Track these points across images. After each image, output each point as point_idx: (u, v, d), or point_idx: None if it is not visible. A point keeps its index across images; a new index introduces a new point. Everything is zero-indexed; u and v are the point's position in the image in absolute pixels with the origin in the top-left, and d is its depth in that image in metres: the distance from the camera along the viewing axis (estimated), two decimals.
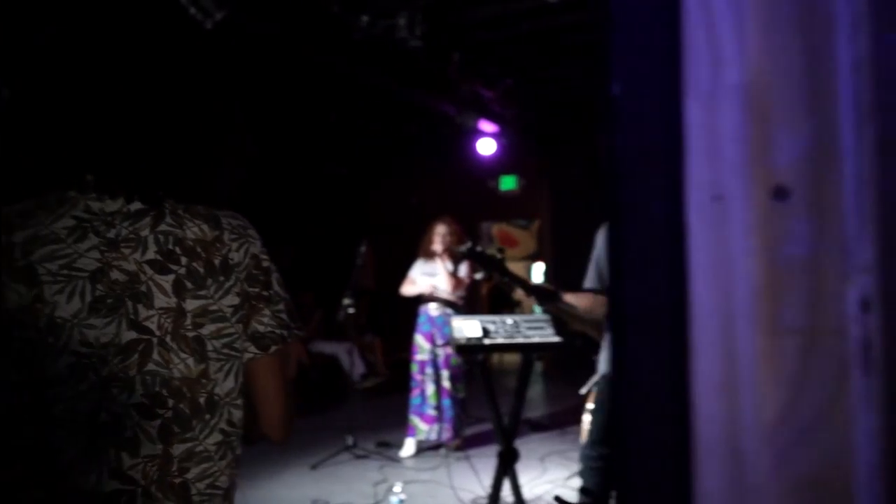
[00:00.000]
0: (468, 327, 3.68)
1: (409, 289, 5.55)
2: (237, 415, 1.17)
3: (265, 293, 1.18)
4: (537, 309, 10.53)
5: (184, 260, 1.10)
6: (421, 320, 5.53)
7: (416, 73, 6.19)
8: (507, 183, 9.57)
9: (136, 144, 1.09)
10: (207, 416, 1.11)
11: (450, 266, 5.36)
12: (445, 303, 5.44)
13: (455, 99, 6.53)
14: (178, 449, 1.09)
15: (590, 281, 3.00)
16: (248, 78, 5.69)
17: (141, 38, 1.12)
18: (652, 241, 0.45)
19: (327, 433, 5.83)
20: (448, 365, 5.45)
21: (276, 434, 1.25)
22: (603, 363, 3.11)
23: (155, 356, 1.07)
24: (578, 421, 6.39)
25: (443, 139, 8.50)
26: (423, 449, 5.56)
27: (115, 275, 1.06)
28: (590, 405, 4.27)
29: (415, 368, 5.53)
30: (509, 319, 3.87)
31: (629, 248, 0.45)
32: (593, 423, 3.15)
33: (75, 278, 1.04)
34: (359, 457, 5.35)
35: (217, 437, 1.13)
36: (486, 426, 6.23)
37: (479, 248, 3.25)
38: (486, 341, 3.62)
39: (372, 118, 7.71)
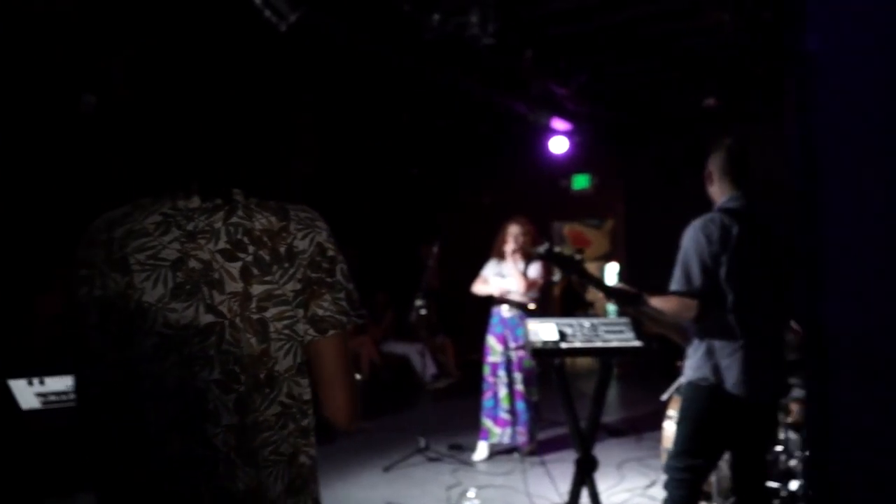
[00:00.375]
0: (544, 330, 3.56)
1: (480, 287, 5.46)
2: (297, 390, 1.24)
3: (328, 279, 1.24)
4: (611, 311, 10.31)
5: (251, 248, 1.18)
6: (493, 322, 5.43)
7: (487, 71, 6.09)
8: (580, 182, 9.37)
9: (218, 146, 1.21)
10: (267, 391, 1.20)
11: (521, 266, 5.24)
12: (517, 304, 5.33)
13: (527, 97, 6.39)
14: (249, 419, 1.19)
15: (676, 283, 2.83)
16: (320, 79, 5.70)
17: (225, 47, 1.24)
18: (873, 247, 0.34)
19: (399, 435, 5.79)
20: (521, 367, 5.33)
21: (340, 418, 1.29)
22: (689, 370, 2.94)
23: (227, 337, 1.17)
24: (656, 427, 6.18)
25: (514, 138, 8.38)
26: (497, 452, 5.45)
27: (193, 263, 1.17)
28: (671, 412, 4.09)
29: (487, 370, 5.42)
30: (586, 322, 3.73)
31: (835, 256, 0.35)
32: (679, 433, 2.98)
33: (160, 267, 1.16)
34: (431, 459, 5.29)
35: (276, 408, 1.21)
36: (560, 430, 6.09)
37: (557, 250, 3.13)
38: (563, 345, 3.49)
39: (443, 118, 7.64)
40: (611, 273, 12.34)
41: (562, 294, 10.06)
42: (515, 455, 5.36)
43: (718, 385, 2.80)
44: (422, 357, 6.49)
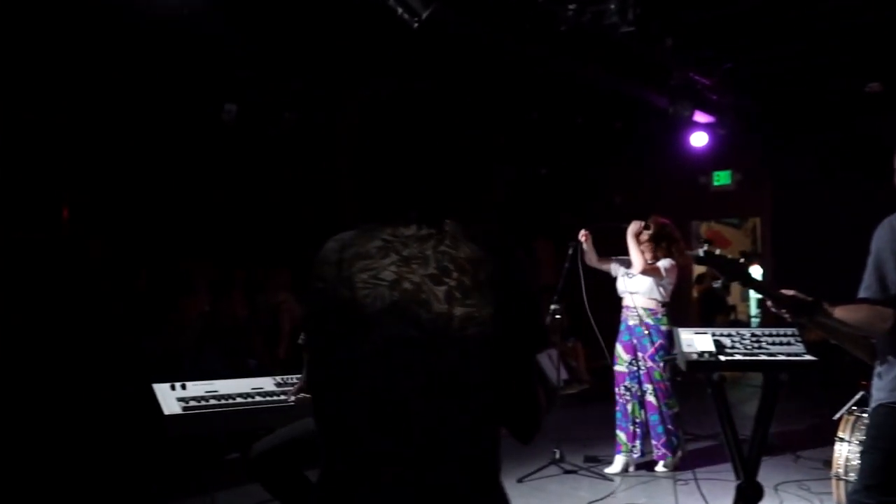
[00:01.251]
0: (699, 341, 3.21)
1: (595, 261, 5.10)
2: (488, 401, 1.34)
3: (520, 307, 1.35)
4: (753, 317, 9.52)
5: (455, 275, 1.31)
6: (621, 329, 5.11)
7: (624, 62, 5.73)
8: (721, 178, 8.73)
9: (436, 181, 1.36)
10: (461, 401, 1.32)
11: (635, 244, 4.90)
12: (645, 310, 4.96)
13: (667, 88, 5.97)
14: (441, 425, 1.30)
15: (868, 289, 2.43)
16: (449, 75, 5.55)
17: (443, 90, 1.39)
18: None
19: (532, 443, 5.54)
20: (651, 378, 4.95)
21: (520, 435, 1.41)
22: (880, 390, 2.52)
23: (431, 351, 1.28)
24: (815, 445, 5.62)
25: (650, 133, 7.93)
26: (639, 465, 5.09)
27: (406, 285, 1.29)
28: (843, 434, 3.61)
29: (616, 380, 5.12)
30: (746, 332, 3.35)
31: None
32: (868, 463, 2.56)
33: (379, 286, 1.30)
34: (567, 472, 5.01)
35: (466, 417, 1.32)
36: (703, 444, 5.65)
37: (717, 252, 2.79)
38: (722, 357, 3.13)
39: (575, 114, 7.32)
40: (755, 276, 11.52)
41: (700, 297, 9.45)
42: (658, 470, 4.98)
43: None
44: (553, 362, 6.20)
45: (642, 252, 4.95)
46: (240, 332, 6.37)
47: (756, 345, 3.20)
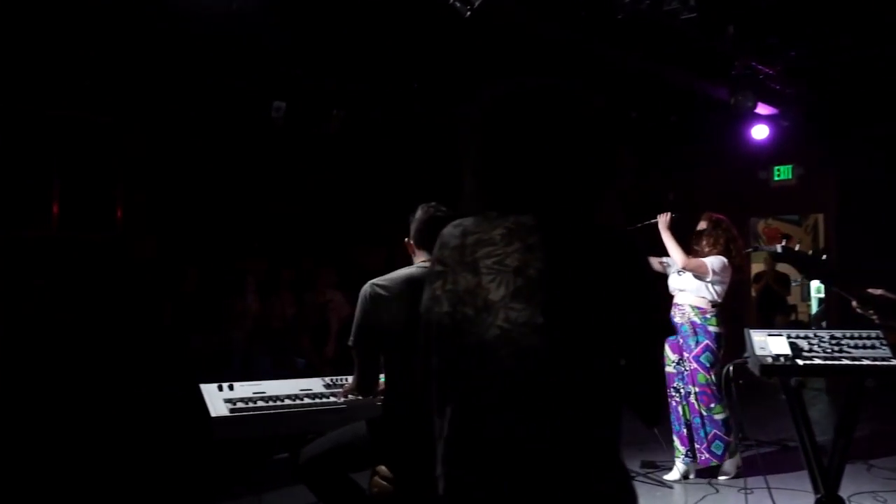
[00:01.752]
0: (774, 343, 2.99)
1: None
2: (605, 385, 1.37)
3: (635, 297, 1.35)
4: (814, 312, 8.97)
5: (577, 263, 1.33)
6: None
7: (684, 51, 5.48)
8: (782, 173, 8.34)
9: (558, 174, 1.37)
10: (584, 384, 1.35)
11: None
12: (693, 308, 4.70)
13: (729, 78, 5.69)
14: (561, 410, 1.33)
15: None
16: (498, 66, 5.37)
17: (563, 89, 1.40)
18: None
19: None
20: (695, 381, 4.68)
21: (648, 418, 1.41)
22: None
23: (553, 338, 1.30)
24: (888, 453, 5.28)
25: (707, 127, 7.61)
26: (701, 472, 4.83)
27: (530, 272, 1.31)
28: None
29: (667, 381, 4.85)
30: (824, 334, 3.10)
31: None
32: None
33: (503, 272, 1.32)
34: None
35: (585, 403, 1.35)
36: (767, 449, 5.37)
37: (797, 248, 2.57)
38: (800, 361, 2.90)
39: (629, 108, 7.06)
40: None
41: (759, 295, 9.07)
42: (719, 478, 4.72)
43: None
44: None
45: (694, 248, 4.71)
46: (288, 331, 6.31)
47: (836, 348, 2.96)
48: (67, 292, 6.17)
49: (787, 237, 8.71)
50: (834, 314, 8.14)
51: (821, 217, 9.27)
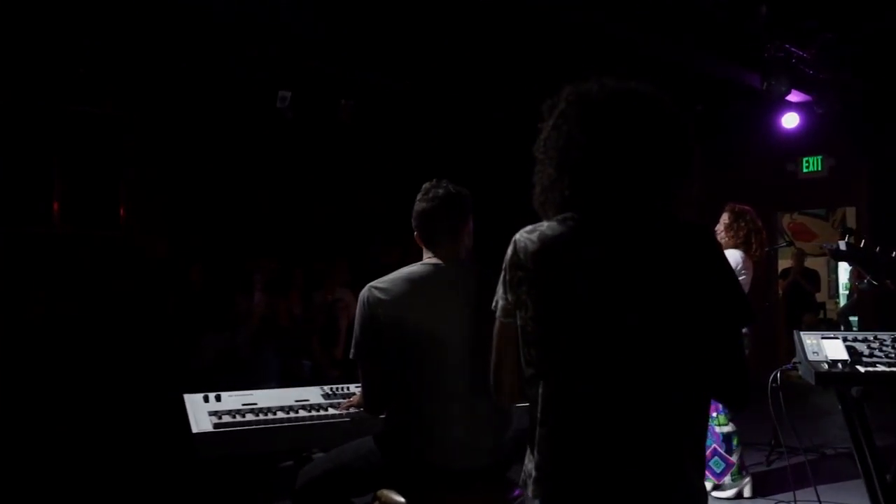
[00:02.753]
0: (829, 347, 2.61)
1: None
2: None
3: (719, 285, 1.40)
4: (853, 319, 8.40)
5: (660, 260, 1.39)
6: None
7: (712, 35, 5.10)
8: (812, 165, 7.90)
9: (643, 172, 1.43)
10: (672, 378, 1.43)
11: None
12: None
13: (761, 62, 5.30)
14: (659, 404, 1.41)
15: None
16: (516, 51, 5.02)
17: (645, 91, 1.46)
18: None
19: None
20: None
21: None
22: None
23: (646, 333, 1.37)
24: None
25: (733, 117, 7.21)
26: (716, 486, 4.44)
27: (617, 270, 1.38)
28: None
29: None
30: (886, 336, 2.72)
31: None
32: None
33: (590, 271, 1.38)
34: None
35: (679, 394, 1.45)
36: (797, 459, 4.97)
37: (862, 245, 2.20)
38: (861, 368, 2.52)
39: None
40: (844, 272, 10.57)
41: (786, 294, 8.64)
42: (713, 494, 4.18)
43: None
44: None
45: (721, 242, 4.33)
46: (296, 332, 6.00)
47: None
48: (69, 290, 5.92)
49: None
50: (868, 310, 7.72)
51: (852, 211, 8.82)
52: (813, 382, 2.57)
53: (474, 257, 2.26)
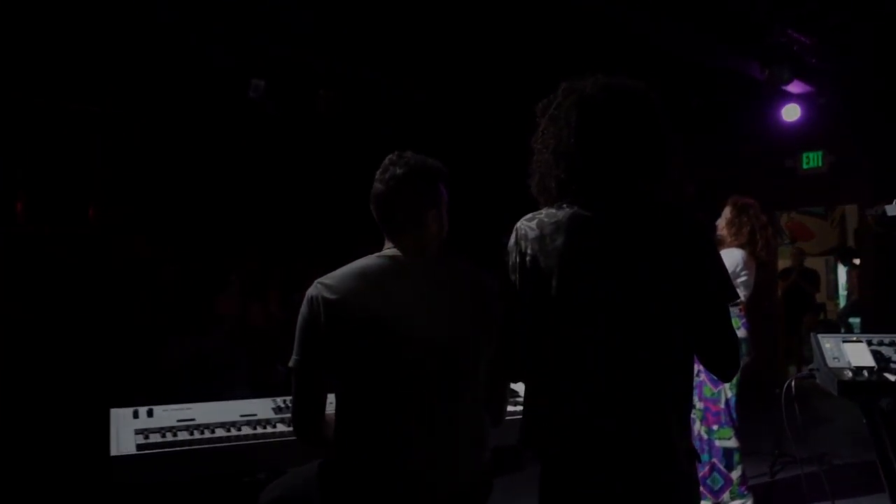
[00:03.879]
0: (853, 352, 2.28)
1: None
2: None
3: (706, 265, 1.51)
4: (854, 321, 7.96)
5: (650, 241, 1.50)
6: None
7: (710, 20, 4.77)
8: (811, 161, 7.56)
9: (634, 160, 1.56)
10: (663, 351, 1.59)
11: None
12: None
13: (762, 49, 4.96)
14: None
15: None
16: (501, 32, 4.69)
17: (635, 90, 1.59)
18: None
19: None
20: (700, 394, 3.80)
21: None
22: None
23: (632, 309, 1.50)
24: None
25: (729, 110, 6.88)
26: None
27: (613, 250, 1.51)
28: None
29: None
30: None
31: None
32: None
33: (583, 255, 1.52)
34: None
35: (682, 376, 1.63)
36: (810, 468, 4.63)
37: None
38: (890, 376, 2.19)
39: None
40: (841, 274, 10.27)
41: (784, 295, 8.31)
42: None
43: None
44: None
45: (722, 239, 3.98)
46: (272, 334, 5.66)
47: None
48: (34, 290, 5.56)
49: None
50: (869, 311, 7.41)
51: (852, 209, 8.50)
52: (835, 393, 2.23)
53: (447, 248, 1.90)
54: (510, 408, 2.47)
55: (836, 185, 7.58)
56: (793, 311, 8.12)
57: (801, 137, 7.18)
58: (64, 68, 5.37)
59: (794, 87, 5.84)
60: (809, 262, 8.98)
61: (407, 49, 5.59)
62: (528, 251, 1.53)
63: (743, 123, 7.20)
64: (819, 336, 2.37)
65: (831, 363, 2.27)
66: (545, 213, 1.56)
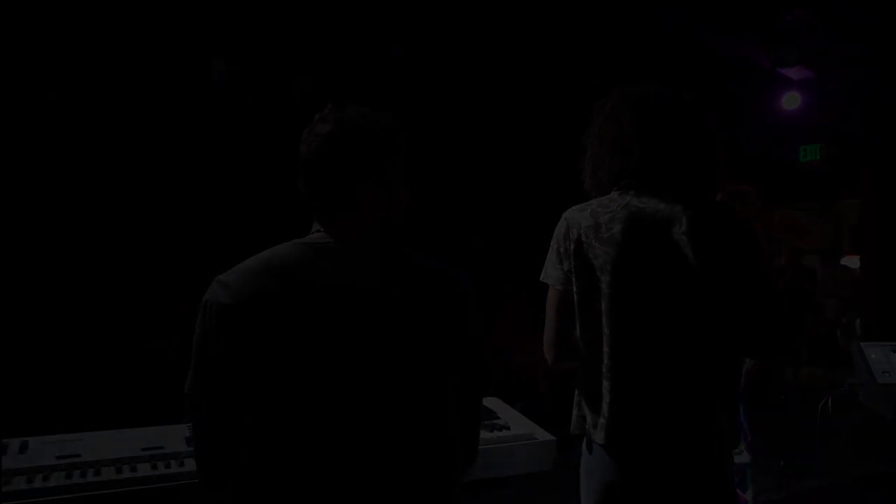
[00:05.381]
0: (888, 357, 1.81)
1: None
2: None
3: (748, 255, 1.52)
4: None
5: (690, 231, 1.50)
6: None
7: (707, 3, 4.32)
8: (809, 154, 7.09)
9: (682, 155, 1.60)
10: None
11: None
12: None
13: (770, 29, 4.50)
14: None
15: None
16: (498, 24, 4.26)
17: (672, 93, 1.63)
18: None
19: None
20: None
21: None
22: None
23: (675, 292, 1.55)
24: None
25: (721, 100, 6.41)
26: None
27: (656, 242, 1.53)
28: None
29: None
30: None
31: None
32: None
33: (636, 241, 1.52)
34: None
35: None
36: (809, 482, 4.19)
37: None
38: None
39: (639, 77, 5.86)
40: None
41: (782, 294, 7.85)
42: None
43: None
44: None
45: None
46: None
47: None
48: None
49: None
50: (871, 312, 6.99)
51: (852, 205, 8.08)
52: (890, 417, 1.76)
53: (394, 236, 1.40)
54: (487, 433, 1.99)
55: (834, 180, 7.15)
56: (791, 311, 7.67)
57: (798, 129, 6.73)
58: (22, 57, 4.89)
59: (795, 73, 5.39)
60: (810, 260, 8.59)
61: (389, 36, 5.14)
62: (584, 239, 1.55)
63: (738, 114, 6.77)
64: (863, 345, 1.90)
65: (880, 377, 1.81)
66: (596, 203, 1.59)
